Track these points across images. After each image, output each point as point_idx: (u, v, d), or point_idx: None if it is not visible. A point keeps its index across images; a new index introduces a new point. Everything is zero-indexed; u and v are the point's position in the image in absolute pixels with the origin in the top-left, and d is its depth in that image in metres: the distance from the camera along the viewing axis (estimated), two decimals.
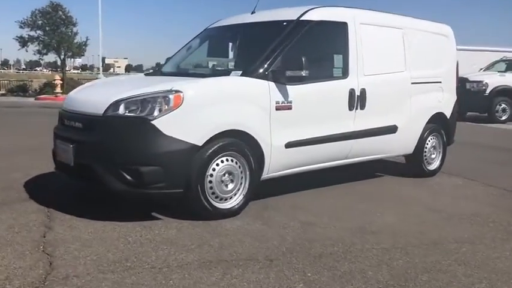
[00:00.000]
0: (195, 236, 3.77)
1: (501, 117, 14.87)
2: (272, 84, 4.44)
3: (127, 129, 3.90)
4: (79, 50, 24.91)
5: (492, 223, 4.37)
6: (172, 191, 3.94)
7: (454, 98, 6.61)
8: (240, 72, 4.42)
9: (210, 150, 4.04)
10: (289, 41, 4.64)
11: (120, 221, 4.03)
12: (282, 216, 4.34)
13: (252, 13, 5.40)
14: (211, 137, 4.03)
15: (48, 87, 23.33)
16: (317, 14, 4.93)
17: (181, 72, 5.17)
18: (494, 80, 14.83)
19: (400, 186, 5.81)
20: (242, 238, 3.74)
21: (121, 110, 3.94)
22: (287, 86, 4.52)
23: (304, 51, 4.56)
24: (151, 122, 3.86)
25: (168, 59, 5.80)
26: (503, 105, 14.91)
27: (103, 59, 31.31)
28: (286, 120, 4.55)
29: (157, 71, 5.70)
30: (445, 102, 6.43)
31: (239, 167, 4.28)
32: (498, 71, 15.76)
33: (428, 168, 6.33)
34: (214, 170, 4.11)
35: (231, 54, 5.52)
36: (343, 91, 5.04)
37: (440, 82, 6.30)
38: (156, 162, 3.85)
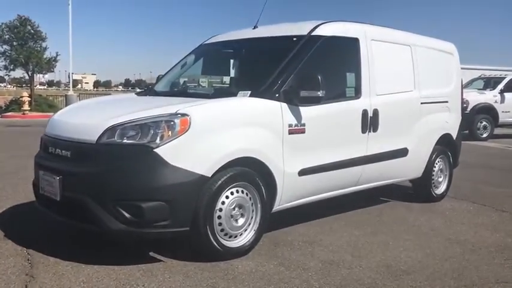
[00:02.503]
0: (205, 282, 3.24)
1: (482, 135, 14.85)
2: (284, 105, 3.99)
3: (125, 159, 3.36)
4: (48, 65, 23.95)
5: None
6: (178, 229, 3.40)
7: (459, 118, 6.32)
8: (249, 92, 3.95)
9: (220, 181, 3.54)
10: (301, 57, 4.21)
11: (114, 264, 3.48)
12: (298, 255, 3.85)
13: (254, 28, 4.95)
14: (221, 166, 3.53)
15: (14, 105, 22.28)
16: (329, 29, 4.53)
17: (179, 92, 4.66)
18: (474, 98, 14.82)
19: (410, 213, 5.41)
20: (261, 285, 3.23)
21: (117, 136, 3.41)
22: (300, 108, 4.07)
23: (317, 69, 4.13)
24: (154, 150, 3.33)
25: (160, 77, 5.29)
26: (484, 123, 14.90)
27: (71, 75, 30.23)
28: (300, 145, 4.09)
29: (149, 90, 5.16)
30: (452, 122, 6.12)
31: (250, 198, 3.79)
32: (477, 89, 15.82)
33: (436, 192, 5.97)
34: (223, 203, 3.60)
35: (232, 72, 5.03)
36: (356, 112, 4.64)
37: (447, 102, 5.99)
38: (159, 196, 3.31)
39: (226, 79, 5.13)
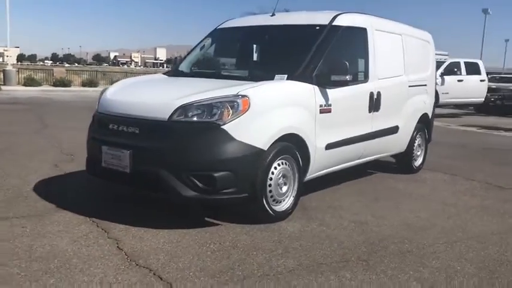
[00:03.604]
0: (270, 240, 3.79)
1: None
2: (316, 88, 4.56)
3: (197, 135, 3.79)
4: None
5: (504, 214, 4.87)
6: (240, 196, 3.91)
7: (433, 99, 7.19)
8: (285, 76, 4.47)
9: (271, 154, 4.07)
10: (326, 45, 4.77)
11: (177, 228, 3.92)
12: (330, 217, 4.48)
13: (272, 15, 5.43)
14: (273, 141, 4.06)
15: None
16: (345, 20, 5.11)
17: (215, 74, 5.04)
18: None
19: (397, 183, 6.20)
20: (316, 240, 3.84)
21: (187, 114, 3.83)
22: (327, 90, 4.66)
23: (340, 56, 4.74)
24: (222, 127, 3.80)
25: (180, 59, 5.63)
26: None
27: None
28: (327, 123, 4.69)
29: (177, 71, 5.47)
30: (429, 103, 6.98)
31: (291, 169, 4.35)
32: None
33: (415, 164, 6.83)
34: (273, 173, 4.14)
35: (255, 56, 5.49)
36: (366, 94, 5.30)
37: (426, 85, 6.82)
38: (228, 167, 3.80)
39: (253, 63, 5.52)
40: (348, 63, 4.54)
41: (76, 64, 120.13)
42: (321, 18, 5.11)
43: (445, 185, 6.28)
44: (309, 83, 4.51)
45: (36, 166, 6.03)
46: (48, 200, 4.56)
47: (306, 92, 4.48)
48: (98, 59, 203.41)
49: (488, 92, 17.94)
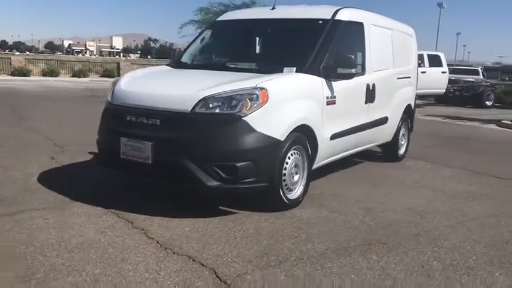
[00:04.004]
0: (290, 227, 3.97)
1: None
2: (323, 80, 4.75)
3: (219, 126, 3.90)
4: None
5: (492, 198, 5.25)
6: (260, 185, 4.05)
7: (415, 91, 7.55)
8: (294, 69, 4.63)
9: (287, 145, 4.23)
10: (331, 39, 4.96)
11: (198, 217, 4.04)
12: (337, 204, 4.71)
13: (273, 8, 5.56)
14: (289, 132, 4.22)
15: None
16: (345, 14, 5.31)
17: (222, 66, 5.12)
18: None
19: (387, 170, 6.51)
20: (333, 226, 4.05)
21: (209, 106, 3.93)
22: (332, 82, 4.86)
23: (343, 49, 4.95)
24: (243, 118, 3.92)
25: (180, 52, 5.68)
26: None
27: None
28: (332, 114, 4.90)
29: (183, 63, 5.49)
30: (412, 95, 7.33)
31: (301, 159, 4.53)
32: None
33: (400, 153, 7.17)
34: (287, 163, 4.31)
35: (258, 49, 5.60)
36: (363, 86, 5.54)
37: (410, 77, 7.15)
38: (249, 157, 3.93)
39: (257, 55, 5.61)
40: (352, 57, 4.75)
41: (27, 52, 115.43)
42: (322, 12, 5.29)
43: (431, 172, 6.63)
44: (317, 75, 4.70)
45: (32, 159, 5.94)
46: (58, 192, 4.56)
47: (315, 84, 4.67)
48: (51, 47, 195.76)
49: (448, 83, 18.74)
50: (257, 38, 5.56)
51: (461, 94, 19.76)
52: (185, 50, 5.73)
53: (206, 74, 4.82)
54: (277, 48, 5.38)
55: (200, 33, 5.79)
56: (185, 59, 5.57)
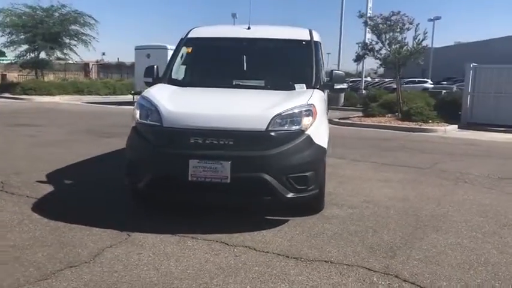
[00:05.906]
0: (340, 225, 4.57)
1: None
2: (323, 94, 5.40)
3: (290, 141, 4.24)
4: None
5: (433, 185, 6.57)
6: (316, 191, 4.49)
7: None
8: (304, 85, 5.15)
9: (327, 153, 4.76)
10: (318, 57, 5.63)
11: (269, 228, 4.32)
12: (346, 200, 5.45)
13: (248, 28, 5.91)
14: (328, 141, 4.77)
15: None
16: (315, 35, 6.00)
17: (228, 84, 5.28)
18: None
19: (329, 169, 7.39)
20: (374, 218, 4.83)
21: (278, 124, 4.25)
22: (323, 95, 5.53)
23: (323, 66, 5.70)
24: (306, 132, 4.35)
25: (168, 69, 5.54)
26: None
27: None
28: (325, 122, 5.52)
29: (171, 79, 5.43)
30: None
31: None
32: None
33: None
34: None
35: (245, 66, 5.70)
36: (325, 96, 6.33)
37: None
38: (313, 167, 4.38)
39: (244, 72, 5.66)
40: (344, 74, 5.52)
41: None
42: (300, 33, 5.93)
43: (362, 167, 7.73)
44: (322, 90, 5.31)
45: None
46: (112, 228, 4.23)
47: (324, 98, 5.29)
48: None
49: None
50: (244, 56, 5.73)
51: None
52: (169, 67, 5.58)
53: (236, 93, 5.02)
54: (275, 66, 5.77)
55: (177, 49, 5.73)
56: (175, 76, 5.53)
